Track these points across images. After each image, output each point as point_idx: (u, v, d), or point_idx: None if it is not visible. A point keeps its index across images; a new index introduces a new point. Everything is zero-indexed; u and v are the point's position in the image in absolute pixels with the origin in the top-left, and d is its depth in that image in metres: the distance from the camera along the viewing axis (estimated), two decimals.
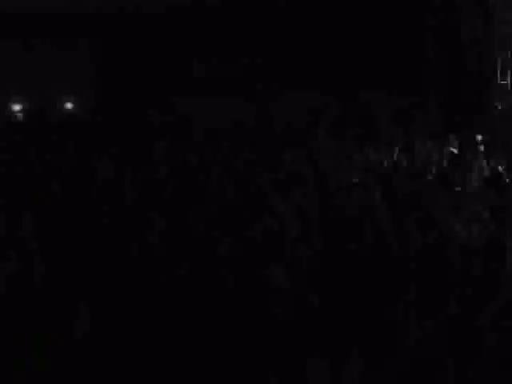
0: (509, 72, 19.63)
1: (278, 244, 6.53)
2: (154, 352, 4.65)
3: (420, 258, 6.35)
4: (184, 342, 4.58)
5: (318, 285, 5.38)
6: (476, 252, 6.81)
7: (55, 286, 5.81)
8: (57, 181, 9.43)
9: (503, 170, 11.66)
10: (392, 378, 3.77)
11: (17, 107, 25.96)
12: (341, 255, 6.40)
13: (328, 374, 4.18)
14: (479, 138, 14.83)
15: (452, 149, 13.71)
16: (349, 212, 8.41)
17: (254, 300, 4.93)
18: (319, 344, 4.39)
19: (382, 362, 3.81)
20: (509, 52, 19.63)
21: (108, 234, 7.17)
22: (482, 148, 13.30)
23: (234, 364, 4.72)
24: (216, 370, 4.70)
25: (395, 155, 12.77)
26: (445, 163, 12.37)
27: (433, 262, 6.32)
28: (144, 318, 5.59)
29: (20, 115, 25.70)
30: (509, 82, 19.62)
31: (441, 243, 6.93)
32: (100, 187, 9.41)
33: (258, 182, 8.80)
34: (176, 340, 4.62)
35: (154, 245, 6.79)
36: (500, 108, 19.39)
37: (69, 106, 26.35)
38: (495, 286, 5.82)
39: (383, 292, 5.25)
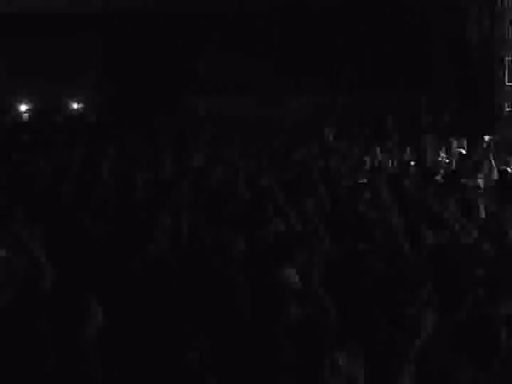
0: None
1: (289, 244, 6.50)
2: (165, 352, 4.62)
3: (432, 259, 6.32)
4: (197, 342, 4.53)
5: (331, 285, 5.35)
6: (487, 252, 6.79)
7: (67, 285, 5.80)
8: (66, 182, 9.41)
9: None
10: (405, 379, 3.75)
11: (23, 107, 25.99)
12: (352, 255, 6.38)
13: (344, 374, 4.15)
14: (487, 138, 14.82)
15: (460, 149, 13.70)
16: (358, 212, 8.39)
17: (268, 300, 4.91)
18: (333, 344, 4.35)
19: (396, 363, 3.78)
20: None
21: (118, 234, 7.16)
22: (490, 148, 13.27)
23: (248, 364, 4.70)
24: (231, 370, 4.68)
25: (404, 155, 12.75)
26: (453, 164, 12.34)
27: (445, 262, 6.30)
28: (155, 319, 5.59)
29: (26, 115, 25.74)
30: None
31: (452, 243, 6.91)
32: (108, 187, 9.40)
33: (269, 183, 8.76)
34: (188, 340, 4.58)
35: (164, 245, 6.77)
36: (508, 109, 19.37)
37: (75, 106, 26.39)
38: (508, 287, 5.80)
39: (397, 292, 5.23)
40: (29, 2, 23.80)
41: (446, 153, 13.49)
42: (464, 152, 13.89)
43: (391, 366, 3.92)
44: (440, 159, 12.94)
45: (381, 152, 12.88)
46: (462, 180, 10.40)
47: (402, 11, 21.45)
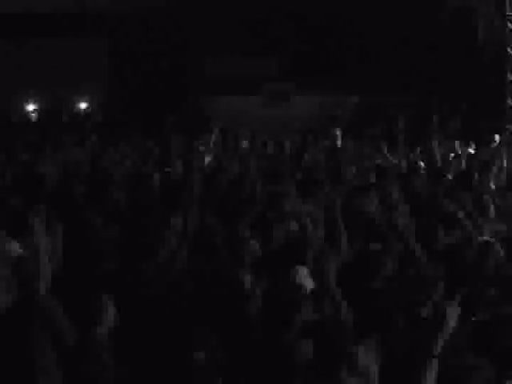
0: None
1: (301, 245, 6.50)
2: (176, 353, 4.62)
3: (445, 259, 6.32)
4: (208, 343, 4.53)
5: (344, 285, 5.34)
6: (498, 252, 6.77)
7: (79, 285, 5.81)
8: (77, 182, 9.43)
9: None
10: (430, 376, 3.75)
11: (31, 107, 26.04)
12: (365, 255, 6.37)
13: (361, 371, 4.16)
14: (497, 138, 14.79)
15: (470, 149, 13.68)
16: (368, 212, 8.38)
17: (282, 301, 4.90)
18: (349, 343, 4.36)
19: (419, 359, 3.78)
20: None
21: (130, 233, 7.16)
22: (500, 148, 13.23)
23: (262, 365, 4.70)
24: (245, 372, 4.68)
25: (414, 156, 12.72)
26: (463, 164, 12.31)
27: (457, 262, 6.30)
28: (166, 321, 5.59)
29: (34, 115, 25.78)
30: None
31: (464, 243, 6.91)
32: (119, 188, 9.42)
33: (283, 183, 8.77)
34: (199, 341, 4.58)
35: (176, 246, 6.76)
36: None
37: (82, 106, 26.43)
38: None
39: (411, 292, 5.23)
40: (36, 2, 23.85)
41: (456, 153, 13.46)
42: (473, 152, 13.88)
43: (413, 362, 3.92)
44: (449, 159, 12.91)
45: (389, 152, 12.86)
46: (474, 180, 10.38)
47: (412, 13, 21.41)
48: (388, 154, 12.44)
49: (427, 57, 21.61)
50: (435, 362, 3.75)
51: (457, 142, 13.41)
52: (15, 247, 5.63)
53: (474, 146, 14.20)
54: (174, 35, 24.12)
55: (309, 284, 5.59)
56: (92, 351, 4.77)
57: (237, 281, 5.90)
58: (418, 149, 13.17)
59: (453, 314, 3.83)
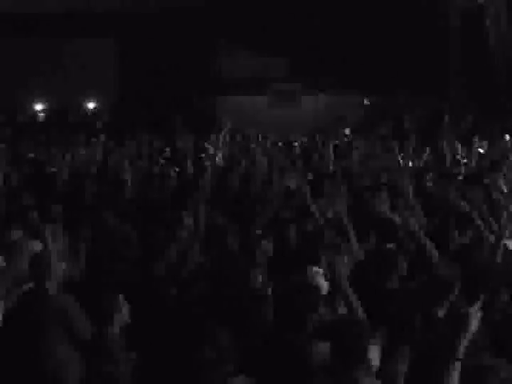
0: None
1: (316, 244, 6.49)
2: (189, 351, 4.60)
3: (458, 259, 6.29)
4: (221, 343, 4.51)
5: (357, 285, 5.32)
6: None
7: (93, 283, 5.82)
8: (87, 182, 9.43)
9: None
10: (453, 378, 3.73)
11: (39, 107, 26.07)
12: (378, 255, 6.35)
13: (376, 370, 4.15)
14: (507, 137, 14.74)
15: (480, 149, 13.63)
16: (380, 212, 8.36)
17: (296, 300, 4.89)
18: (364, 345, 4.34)
19: (442, 361, 3.77)
20: None
21: (142, 234, 7.17)
22: (510, 148, 13.22)
23: (277, 365, 4.69)
24: (260, 371, 4.67)
25: (425, 155, 12.69)
26: (473, 163, 12.30)
27: (471, 262, 6.27)
28: (178, 319, 5.58)
29: (42, 115, 25.81)
30: None
31: (478, 243, 6.89)
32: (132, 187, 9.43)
33: (297, 182, 8.75)
34: (212, 339, 4.56)
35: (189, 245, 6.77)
36: None
37: (90, 105, 26.44)
38: None
39: (426, 293, 5.20)
40: (45, 2, 23.89)
41: (466, 153, 13.42)
42: (483, 151, 13.83)
43: (433, 364, 3.90)
44: (459, 159, 12.88)
45: (399, 152, 12.83)
46: (485, 180, 10.34)
47: (422, 13, 21.38)
48: (399, 154, 12.40)
49: (437, 57, 21.57)
50: (458, 365, 3.73)
51: (474, 142, 13.33)
52: (36, 245, 5.67)
53: (484, 145, 14.15)
54: (182, 36, 24.11)
55: (323, 284, 5.58)
56: (106, 349, 4.78)
57: (248, 281, 5.87)
58: (428, 149, 13.13)
59: (475, 317, 3.82)
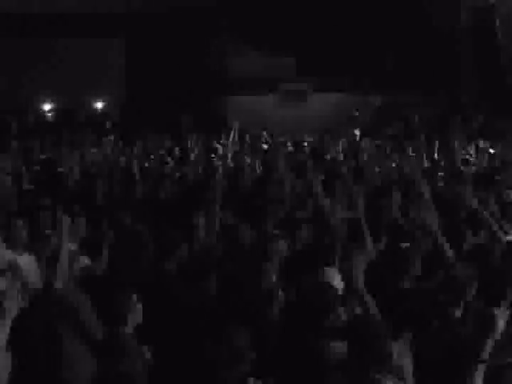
0: None
1: (329, 246, 6.48)
2: (202, 349, 4.60)
3: (473, 258, 6.27)
4: (242, 340, 4.51)
5: (372, 285, 5.31)
6: None
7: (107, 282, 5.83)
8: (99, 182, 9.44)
9: None
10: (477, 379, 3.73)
11: (47, 106, 26.11)
12: (392, 255, 6.35)
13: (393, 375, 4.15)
14: None
15: (490, 149, 13.62)
16: (391, 212, 8.36)
17: (313, 301, 4.88)
18: (381, 345, 4.33)
19: (466, 362, 3.77)
20: None
21: (155, 233, 7.16)
22: None
23: (294, 365, 4.68)
24: (277, 370, 4.67)
25: (435, 155, 12.68)
26: (483, 163, 12.28)
27: (485, 262, 6.25)
28: (191, 318, 5.58)
29: (50, 115, 25.85)
30: None
31: (492, 243, 6.87)
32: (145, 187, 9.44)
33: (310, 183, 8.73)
34: (229, 339, 4.56)
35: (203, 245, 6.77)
36: None
37: (99, 105, 26.47)
38: None
39: (441, 292, 5.19)
40: (54, 2, 23.92)
41: (475, 152, 13.42)
42: (492, 151, 13.81)
43: (452, 363, 3.90)
44: (469, 159, 12.87)
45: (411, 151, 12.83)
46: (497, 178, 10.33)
47: (431, 11, 21.34)
48: (411, 155, 12.39)
49: (448, 57, 21.53)
50: (483, 367, 3.73)
51: (484, 142, 13.31)
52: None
53: (495, 145, 14.13)
54: (191, 35, 24.12)
55: (338, 285, 5.57)
56: (121, 349, 4.78)
57: (260, 281, 5.87)
58: (436, 148, 13.11)
59: (501, 317, 3.82)
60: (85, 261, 6.12)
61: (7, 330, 4.17)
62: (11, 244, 6.27)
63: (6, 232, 6.42)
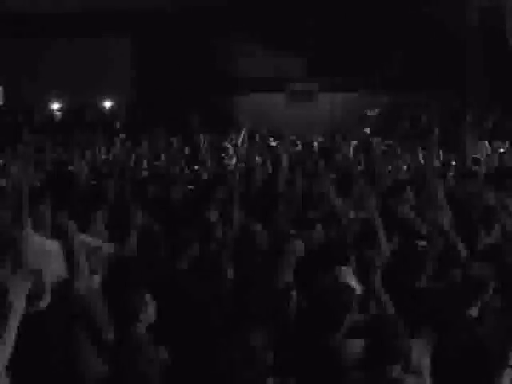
0: None
1: (343, 245, 6.47)
2: (216, 348, 4.59)
3: (487, 258, 6.25)
4: (260, 340, 4.49)
5: (387, 285, 5.30)
6: None
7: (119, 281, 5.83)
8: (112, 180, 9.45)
9: None
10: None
11: (55, 106, 26.16)
12: (406, 254, 6.33)
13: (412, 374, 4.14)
14: None
15: (501, 149, 13.60)
16: (403, 212, 8.33)
17: (329, 301, 4.87)
18: (400, 344, 4.32)
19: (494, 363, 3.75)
20: None
21: (166, 232, 7.16)
22: None
23: (310, 365, 4.67)
24: (293, 371, 4.65)
25: (445, 155, 12.65)
26: (495, 162, 12.26)
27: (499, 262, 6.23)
28: (204, 317, 5.58)
29: (58, 114, 25.89)
30: None
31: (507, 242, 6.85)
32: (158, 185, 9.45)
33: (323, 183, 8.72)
34: (243, 338, 4.55)
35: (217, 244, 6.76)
36: None
37: (107, 104, 26.51)
38: None
39: (457, 292, 5.18)
40: (61, 2, 23.96)
41: (486, 152, 13.38)
42: (504, 151, 13.79)
43: (486, 365, 3.88)
44: (480, 158, 12.83)
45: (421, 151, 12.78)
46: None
47: (440, 12, 21.32)
48: (422, 155, 12.35)
49: (457, 57, 21.51)
50: (510, 371, 3.72)
51: (495, 142, 13.28)
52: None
53: (506, 145, 14.11)
54: (199, 35, 24.13)
55: (354, 284, 5.55)
56: (136, 349, 4.78)
57: (278, 281, 5.85)
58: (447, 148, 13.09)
59: None
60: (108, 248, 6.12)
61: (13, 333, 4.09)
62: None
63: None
